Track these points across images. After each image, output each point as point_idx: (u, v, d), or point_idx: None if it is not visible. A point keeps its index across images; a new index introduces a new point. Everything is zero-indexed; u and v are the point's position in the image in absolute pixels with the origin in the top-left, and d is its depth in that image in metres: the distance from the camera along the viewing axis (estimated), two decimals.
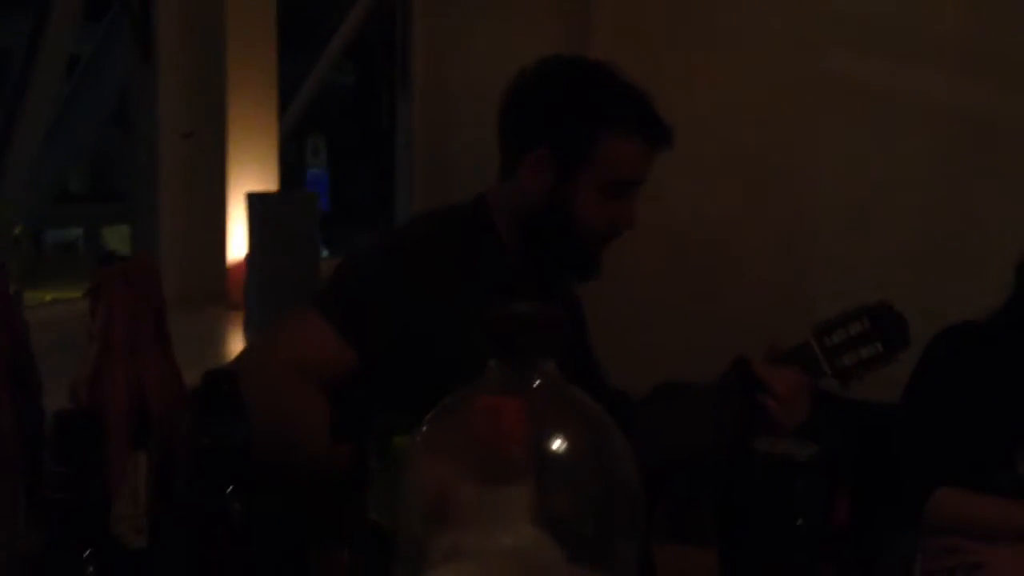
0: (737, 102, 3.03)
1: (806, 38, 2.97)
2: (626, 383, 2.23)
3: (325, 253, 4.44)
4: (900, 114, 2.91)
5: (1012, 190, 2.76)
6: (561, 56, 1.63)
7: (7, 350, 1.07)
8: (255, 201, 2.02)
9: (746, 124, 3.03)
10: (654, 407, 1.60)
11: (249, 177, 2.24)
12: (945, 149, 2.87)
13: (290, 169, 3.95)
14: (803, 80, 2.98)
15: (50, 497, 0.86)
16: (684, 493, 0.92)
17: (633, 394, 2.29)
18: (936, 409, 1.84)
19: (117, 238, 5.04)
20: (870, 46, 2.92)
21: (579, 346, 1.77)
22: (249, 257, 2.02)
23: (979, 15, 2.79)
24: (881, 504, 1.76)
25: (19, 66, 2.20)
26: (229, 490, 0.96)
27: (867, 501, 1.45)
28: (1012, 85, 2.77)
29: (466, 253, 1.57)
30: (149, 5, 2.23)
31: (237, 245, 2.20)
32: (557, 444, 0.64)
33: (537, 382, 0.63)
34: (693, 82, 3.03)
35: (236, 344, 1.95)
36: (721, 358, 1.60)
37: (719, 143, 3.02)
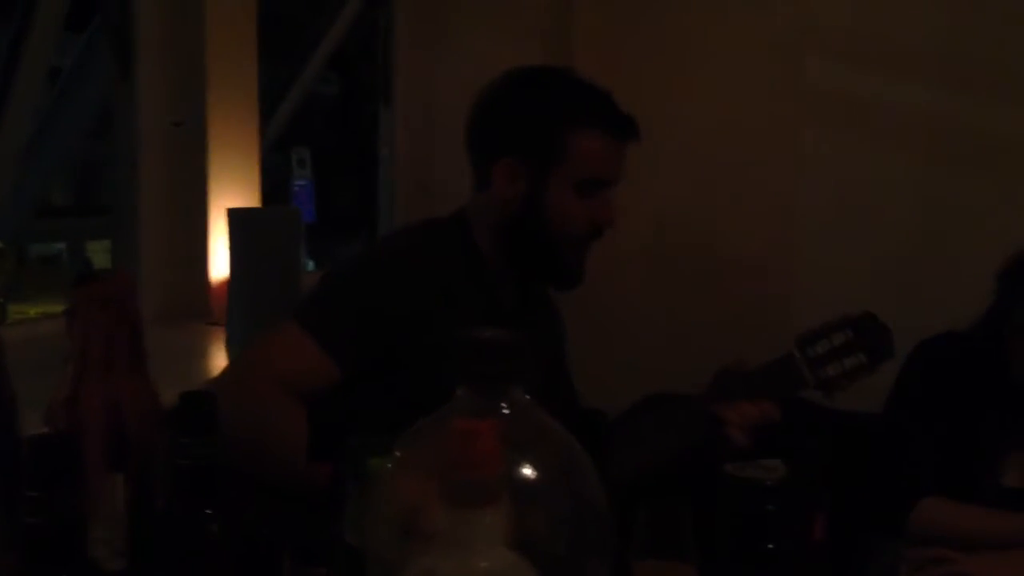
0: (720, 114, 3.04)
1: (790, 49, 2.99)
2: (612, 392, 2.23)
3: (311, 264, 4.42)
4: (884, 125, 2.93)
5: (993, 198, 2.78)
6: (518, 68, 1.64)
7: None
8: (236, 217, 2.01)
9: (729, 135, 3.04)
10: (634, 421, 1.60)
11: (230, 193, 2.23)
12: (928, 158, 2.88)
13: (278, 181, 3.94)
14: (788, 91, 2.99)
15: (26, 522, 0.85)
16: (663, 507, 0.92)
17: (618, 404, 2.30)
18: (918, 419, 1.85)
19: (101, 251, 5.01)
20: (855, 56, 2.94)
21: (555, 362, 1.76)
22: (231, 273, 2.01)
23: (964, 25, 2.81)
24: (864, 515, 1.76)
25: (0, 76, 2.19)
26: (206, 511, 0.95)
27: (849, 512, 1.45)
28: (996, 95, 2.79)
29: (446, 266, 1.57)
30: (128, 21, 2.23)
31: (219, 261, 2.20)
32: (526, 469, 0.63)
33: (505, 408, 0.63)
34: (675, 95, 3.05)
35: (218, 360, 1.94)
36: (707, 367, 1.60)
37: (702, 155, 3.04)
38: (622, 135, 1.59)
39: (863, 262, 2.90)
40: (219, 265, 2.21)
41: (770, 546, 0.59)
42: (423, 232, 1.64)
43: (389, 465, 0.72)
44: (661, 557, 0.85)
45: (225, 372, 1.53)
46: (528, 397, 0.64)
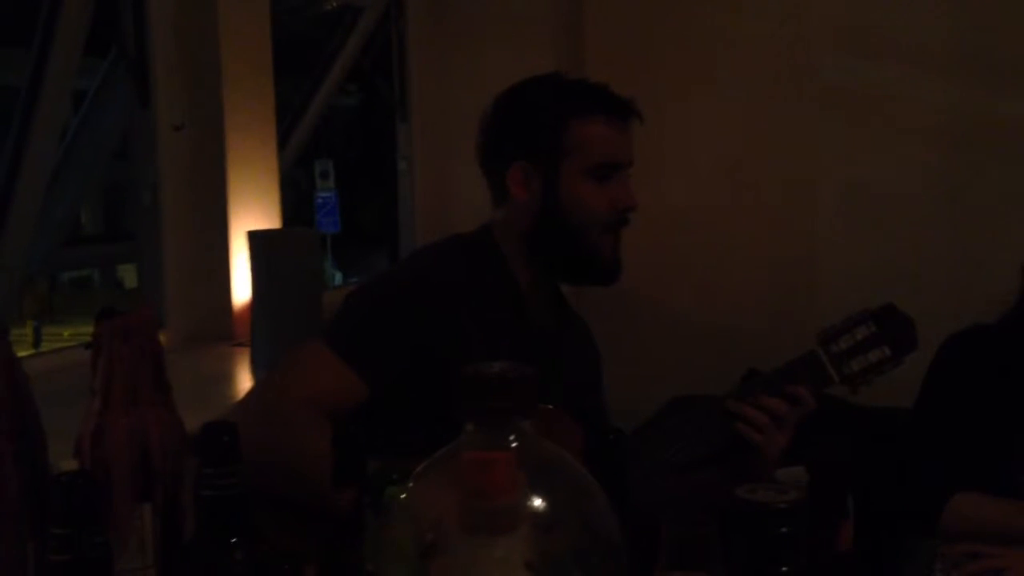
0: (733, 117, 3.04)
1: (804, 49, 2.97)
2: (637, 394, 2.22)
3: (338, 276, 4.45)
4: (903, 121, 2.91)
5: (1015, 192, 2.76)
6: (511, 84, 1.65)
7: (9, 406, 1.08)
8: (256, 239, 2.03)
9: (744, 138, 3.04)
10: (657, 427, 1.60)
11: (251, 215, 2.25)
12: (947, 153, 2.87)
13: (302, 193, 3.97)
14: (801, 91, 2.98)
15: (53, 560, 0.87)
16: (689, 523, 0.92)
17: (644, 407, 2.30)
18: (949, 414, 1.83)
19: (132, 272, 5.07)
20: (868, 53, 2.93)
21: (587, 382, 1.75)
22: (253, 294, 2.03)
23: (980, 20, 2.79)
24: (894, 514, 1.75)
25: (23, 103, 2.22)
26: (232, 540, 0.96)
27: (877, 514, 1.44)
28: (1014, 88, 2.77)
29: (472, 281, 1.57)
30: (146, 49, 2.25)
31: (242, 283, 2.22)
32: (536, 501, 0.64)
33: (513, 441, 0.63)
34: (689, 101, 3.05)
35: (244, 382, 1.96)
36: (734, 367, 1.60)
37: (716, 159, 3.04)
38: (622, 115, 1.59)
39: (885, 257, 2.89)
40: (243, 287, 2.23)
41: (784, 569, 0.59)
42: (449, 249, 1.64)
43: (405, 495, 0.73)
44: (687, 568, 0.85)
45: (253, 392, 1.54)
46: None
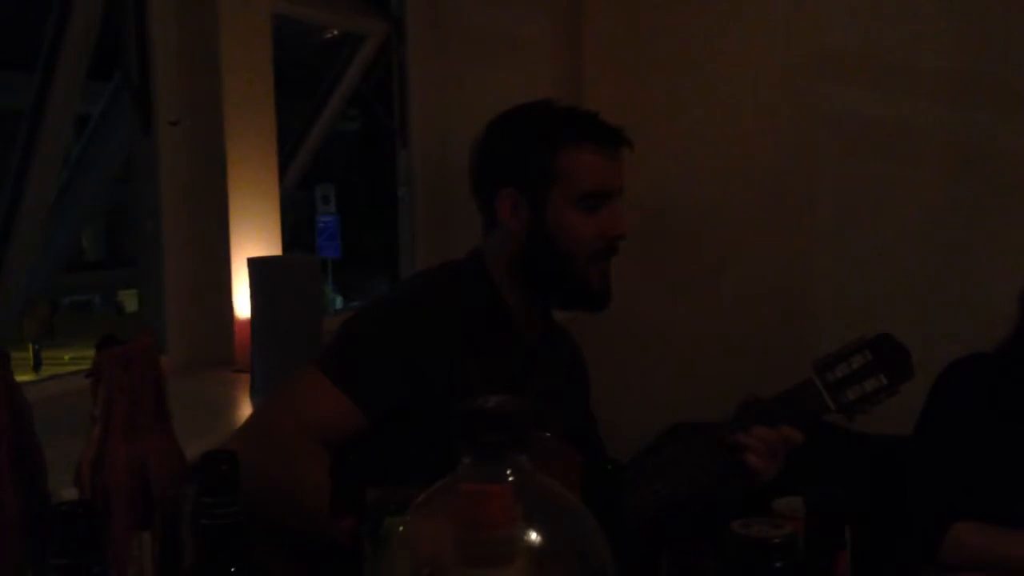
0: (730, 143, 3.05)
1: (802, 70, 2.99)
2: (635, 416, 2.22)
3: (339, 300, 4.45)
4: (900, 147, 2.93)
5: (1013, 218, 2.77)
6: (500, 112, 1.67)
7: (9, 433, 1.08)
8: (256, 265, 2.04)
9: (738, 165, 3.06)
10: (656, 454, 1.60)
11: (252, 241, 2.26)
12: (946, 179, 2.88)
13: (304, 218, 3.98)
14: (799, 117, 3.00)
15: None
16: (686, 550, 0.92)
17: (641, 431, 2.30)
18: (948, 443, 1.83)
19: (133, 298, 5.08)
20: (867, 79, 2.94)
21: (577, 401, 1.76)
22: (253, 321, 2.04)
23: (973, 48, 2.81)
24: (895, 542, 1.74)
25: (26, 128, 2.23)
26: (231, 570, 0.96)
27: (876, 544, 1.44)
28: (1012, 115, 2.78)
29: (466, 309, 1.58)
30: (148, 77, 2.27)
31: (242, 309, 2.23)
32: (533, 535, 0.64)
33: (510, 475, 0.64)
34: (688, 124, 3.07)
35: (244, 408, 1.96)
36: (734, 392, 1.60)
37: (711, 186, 3.05)
38: (611, 144, 1.60)
39: (884, 284, 2.89)
40: (243, 313, 2.23)
41: None
42: (441, 276, 1.65)
43: (403, 527, 0.73)
44: None
45: (250, 421, 1.54)
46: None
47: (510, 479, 0.63)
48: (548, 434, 1.46)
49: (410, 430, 1.49)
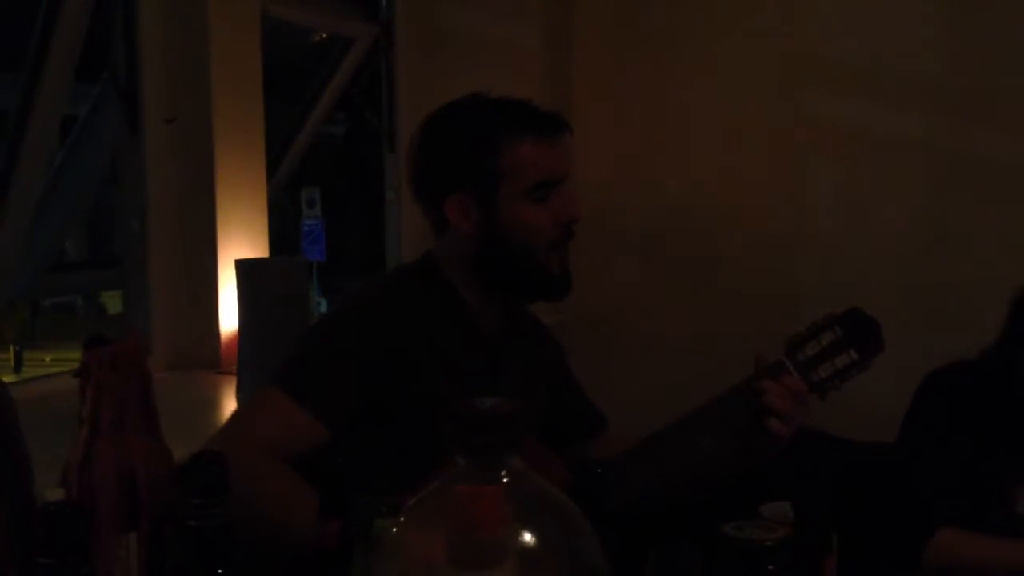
0: (721, 153, 3.06)
1: (791, 78, 3.01)
2: (633, 418, 2.20)
3: (324, 304, 4.43)
4: (889, 157, 2.95)
5: (1001, 227, 2.79)
6: (430, 113, 1.63)
7: None
8: (243, 267, 2.03)
9: (729, 174, 3.06)
10: (651, 450, 1.56)
11: (239, 243, 2.26)
12: (934, 189, 2.89)
13: (289, 221, 3.97)
14: (789, 127, 3.01)
15: None
16: (672, 550, 0.92)
17: (629, 421, 2.29)
18: (932, 450, 1.84)
19: (115, 299, 5.04)
20: (856, 89, 2.96)
21: (555, 382, 1.74)
22: (240, 322, 2.03)
23: (962, 58, 2.83)
24: (877, 549, 1.75)
25: (12, 128, 2.22)
26: (218, 571, 0.96)
27: (860, 550, 1.44)
28: (999, 126, 2.80)
29: (419, 307, 1.56)
30: (136, 78, 2.26)
31: (229, 311, 2.22)
32: (526, 535, 0.64)
33: (504, 476, 0.64)
34: (676, 129, 3.07)
35: (229, 409, 1.96)
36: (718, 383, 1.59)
37: (702, 193, 3.06)
38: (552, 132, 1.57)
39: (872, 291, 2.90)
40: (229, 315, 2.23)
41: None
42: (392, 279, 1.65)
43: (394, 529, 0.73)
44: None
45: (214, 439, 1.51)
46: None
47: (504, 479, 0.63)
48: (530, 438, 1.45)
49: (380, 435, 1.47)
